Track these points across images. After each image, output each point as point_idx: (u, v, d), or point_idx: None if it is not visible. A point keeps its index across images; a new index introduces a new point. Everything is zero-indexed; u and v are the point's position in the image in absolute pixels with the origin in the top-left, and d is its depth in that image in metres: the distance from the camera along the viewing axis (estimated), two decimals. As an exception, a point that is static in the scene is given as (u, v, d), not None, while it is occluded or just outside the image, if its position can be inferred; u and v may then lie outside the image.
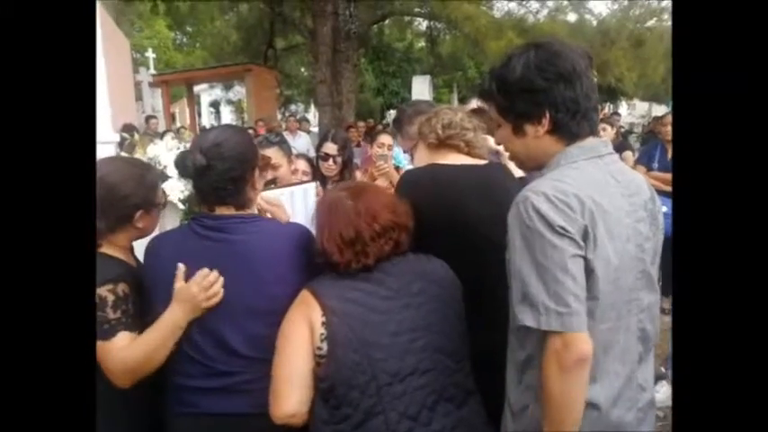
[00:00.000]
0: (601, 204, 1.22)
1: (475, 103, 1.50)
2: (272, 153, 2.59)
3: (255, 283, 1.56)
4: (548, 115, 1.30)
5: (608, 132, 5.48)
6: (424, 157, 2.03)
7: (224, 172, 1.55)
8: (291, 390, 1.43)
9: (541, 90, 1.29)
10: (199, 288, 1.52)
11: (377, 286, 1.48)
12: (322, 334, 1.43)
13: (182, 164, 1.58)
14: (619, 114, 14.87)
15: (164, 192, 1.80)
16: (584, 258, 1.20)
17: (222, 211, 1.61)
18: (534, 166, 1.44)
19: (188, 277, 1.54)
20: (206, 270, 1.53)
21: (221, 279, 1.54)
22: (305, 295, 1.49)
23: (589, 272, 1.20)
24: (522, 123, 1.35)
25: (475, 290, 1.60)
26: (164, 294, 1.56)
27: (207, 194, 1.60)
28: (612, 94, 20.96)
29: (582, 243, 1.19)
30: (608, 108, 19.89)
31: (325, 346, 1.42)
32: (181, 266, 1.54)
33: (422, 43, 20.14)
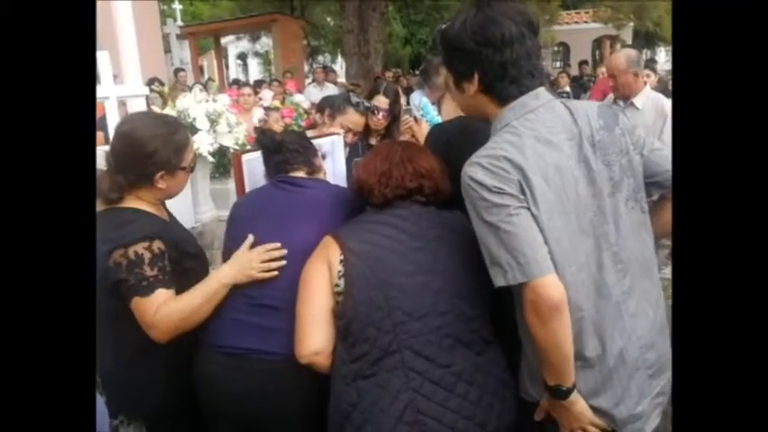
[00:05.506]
0: (536, 159, 1.28)
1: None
2: (350, 115, 2.69)
3: (321, 228, 1.66)
4: (476, 76, 1.38)
5: (651, 79, 5.29)
6: (451, 110, 2.01)
7: (294, 142, 1.91)
8: (315, 327, 1.50)
9: (471, 52, 1.36)
10: (259, 256, 1.65)
11: (394, 230, 1.54)
12: (339, 271, 1.50)
13: (260, 137, 1.98)
14: (655, 61, 14.28)
15: (194, 155, 1.81)
16: (529, 211, 1.25)
17: (297, 174, 1.87)
18: (482, 119, 1.50)
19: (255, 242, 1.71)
20: (274, 245, 1.67)
21: (283, 262, 1.66)
22: (326, 240, 1.59)
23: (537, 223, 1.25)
24: (459, 80, 1.44)
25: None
26: (241, 242, 1.72)
27: (281, 162, 1.89)
28: (650, 39, 20.16)
29: (521, 197, 1.26)
30: (645, 55, 19.10)
31: (342, 282, 1.49)
32: (250, 237, 1.70)
33: (451, -10, 19.54)
